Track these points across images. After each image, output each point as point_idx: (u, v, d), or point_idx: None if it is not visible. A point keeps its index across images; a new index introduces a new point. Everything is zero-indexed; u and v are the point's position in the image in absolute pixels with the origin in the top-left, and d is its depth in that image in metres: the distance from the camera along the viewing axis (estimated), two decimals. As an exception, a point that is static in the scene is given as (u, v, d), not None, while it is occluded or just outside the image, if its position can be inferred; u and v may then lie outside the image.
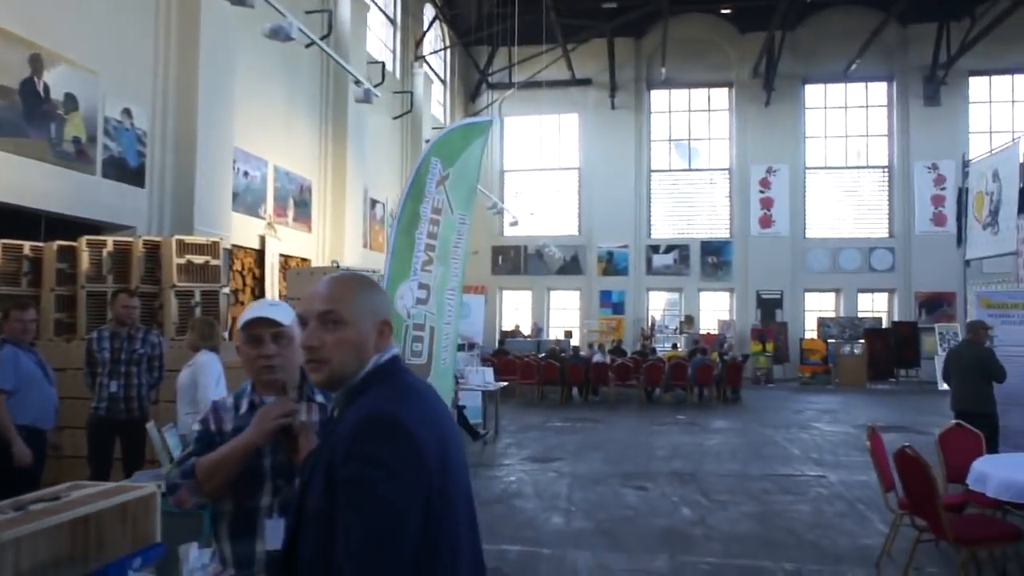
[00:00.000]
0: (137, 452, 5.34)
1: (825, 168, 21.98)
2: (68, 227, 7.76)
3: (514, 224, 19.10)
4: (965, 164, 10.70)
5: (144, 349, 5.44)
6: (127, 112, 8.88)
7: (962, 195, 10.73)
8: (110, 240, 6.58)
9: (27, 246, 6.62)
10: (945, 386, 8.12)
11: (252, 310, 2.19)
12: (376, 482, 1.41)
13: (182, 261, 6.32)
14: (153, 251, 6.47)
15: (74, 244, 6.55)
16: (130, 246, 6.54)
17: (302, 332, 1.66)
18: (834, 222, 21.79)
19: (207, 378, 4.55)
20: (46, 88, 7.77)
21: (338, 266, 6.45)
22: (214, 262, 6.50)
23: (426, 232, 5.26)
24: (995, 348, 8.06)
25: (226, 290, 9.48)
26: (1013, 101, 20.80)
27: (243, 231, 11.35)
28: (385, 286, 5.03)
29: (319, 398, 2.21)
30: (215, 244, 6.63)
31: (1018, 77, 20.90)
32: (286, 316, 2.18)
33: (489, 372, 11.29)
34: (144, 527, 3.18)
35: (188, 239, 6.58)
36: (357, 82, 14.61)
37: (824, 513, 6.71)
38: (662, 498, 7.26)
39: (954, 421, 5.98)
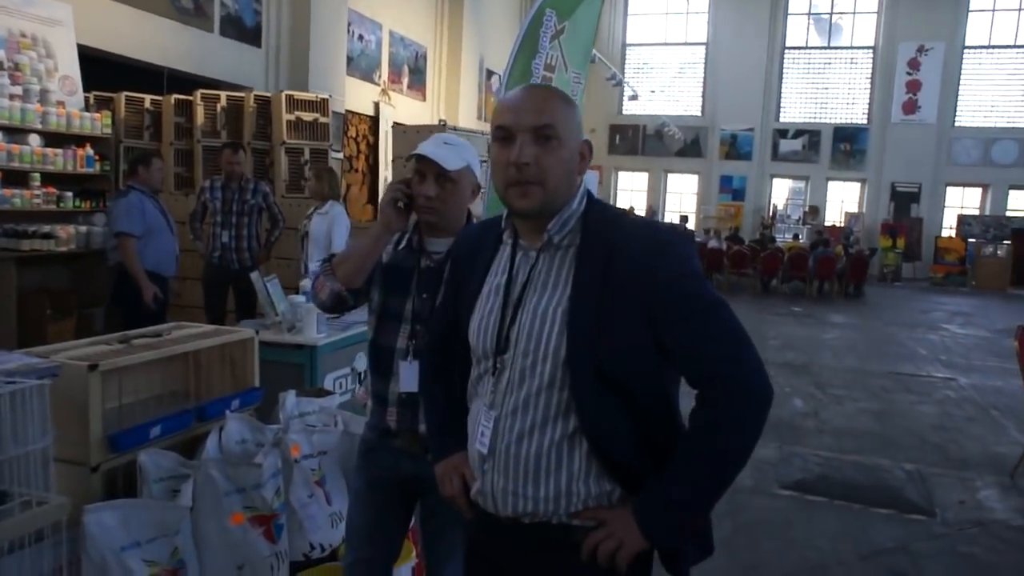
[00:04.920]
0: (250, 303, 5.45)
1: (988, 48, 19.63)
2: (187, 85, 7.84)
3: (633, 99, 18.19)
4: None
5: (255, 199, 5.48)
6: (243, -32, 8.74)
7: None
8: (224, 95, 6.58)
9: (148, 99, 6.72)
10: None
11: (422, 145, 2.00)
12: (706, 289, 1.40)
13: (291, 118, 6.26)
14: (264, 107, 6.43)
15: (191, 99, 6.59)
16: (242, 102, 6.53)
17: (504, 148, 1.39)
18: (990, 109, 19.64)
19: (342, 228, 4.87)
20: (164, -61, 7.68)
21: (445, 124, 6.23)
22: (323, 120, 6.40)
23: (538, 91, 4.91)
24: None
25: (339, 154, 9.51)
26: None
27: (357, 97, 11.27)
28: (493, 147, 4.79)
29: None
30: (324, 101, 6.52)
31: None
32: (456, 160, 1.97)
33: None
34: (243, 371, 3.19)
35: (297, 95, 6.49)
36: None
37: (951, 416, 6.25)
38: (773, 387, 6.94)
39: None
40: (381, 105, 11.88)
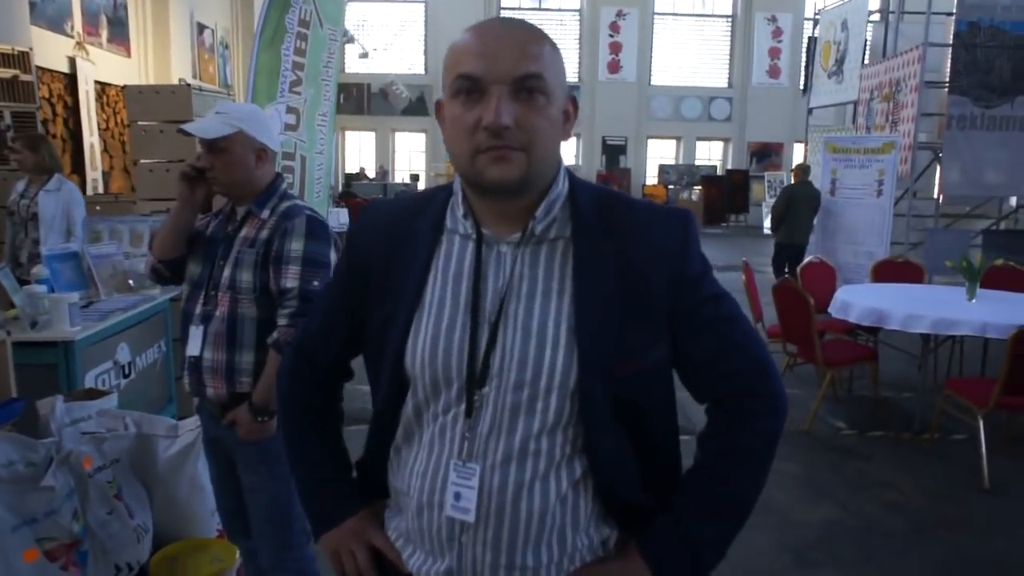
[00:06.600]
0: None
1: (673, 15, 21.96)
2: None
3: (364, 56, 17.82)
4: (817, 13, 10.94)
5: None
6: None
7: (811, 44, 11.03)
8: None
9: None
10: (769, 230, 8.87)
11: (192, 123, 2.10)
12: (720, 285, 1.16)
13: (-16, 74, 5.26)
14: (-57, 61, 5.32)
15: None
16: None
17: (470, 105, 1.03)
18: (678, 70, 22.07)
19: (79, 206, 4.38)
20: None
21: (189, 85, 5.61)
22: (25, 77, 5.46)
23: (293, 48, 4.61)
24: (837, 190, 8.66)
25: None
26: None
27: (48, 51, 9.72)
28: (249, 108, 4.41)
29: (264, 214, 2.14)
30: (24, 55, 5.56)
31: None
32: (220, 127, 2.02)
33: (344, 213, 10.77)
34: (-7, 380, 2.68)
35: (-11, 47, 5.46)
36: None
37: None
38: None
39: (812, 256, 6.34)
40: (78, 61, 10.40)
